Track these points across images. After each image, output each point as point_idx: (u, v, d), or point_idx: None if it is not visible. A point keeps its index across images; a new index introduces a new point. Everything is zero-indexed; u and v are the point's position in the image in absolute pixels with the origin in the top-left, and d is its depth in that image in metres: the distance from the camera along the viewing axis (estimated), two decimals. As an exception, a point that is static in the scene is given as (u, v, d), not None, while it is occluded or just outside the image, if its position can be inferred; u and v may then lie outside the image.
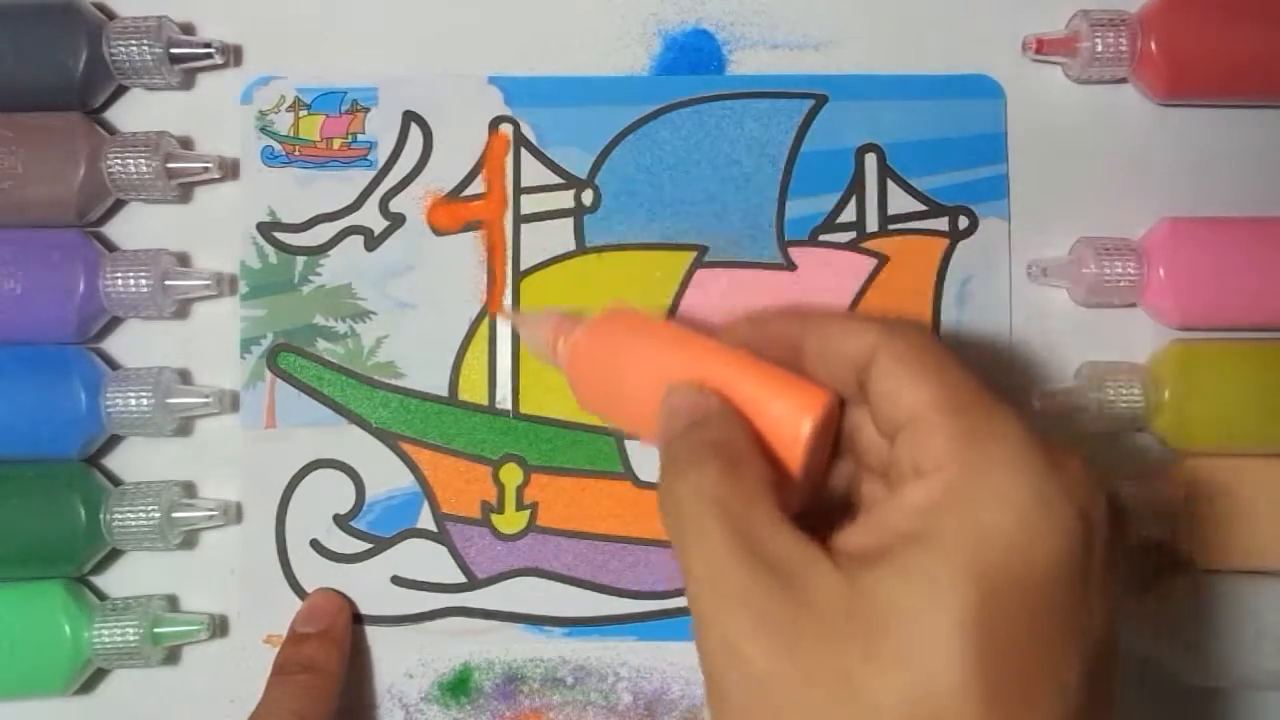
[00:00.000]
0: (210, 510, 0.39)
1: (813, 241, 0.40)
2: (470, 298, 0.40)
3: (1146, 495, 0.38)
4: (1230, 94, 0.40)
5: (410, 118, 0.41)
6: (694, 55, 0.41)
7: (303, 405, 0.40)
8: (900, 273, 0.40)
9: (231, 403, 0.40)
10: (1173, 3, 0.38)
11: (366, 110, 0.41)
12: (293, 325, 0.40)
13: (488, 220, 0.40)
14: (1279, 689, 0.39)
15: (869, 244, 0.40)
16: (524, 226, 0.40)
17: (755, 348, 0.29)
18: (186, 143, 0.41)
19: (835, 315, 0.29)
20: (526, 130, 0.41)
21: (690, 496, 0.25)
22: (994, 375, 0.40)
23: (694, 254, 0.40)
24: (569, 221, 0.40)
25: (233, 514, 0.40)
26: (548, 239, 0.40)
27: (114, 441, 0.40)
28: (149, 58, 0.39)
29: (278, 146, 0.40)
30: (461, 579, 0.40)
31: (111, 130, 0.40)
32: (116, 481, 0.40)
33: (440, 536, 0.40)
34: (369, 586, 0.40)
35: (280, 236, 0.40)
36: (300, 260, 0.40)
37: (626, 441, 0.40)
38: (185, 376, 0.40)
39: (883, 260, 0.40)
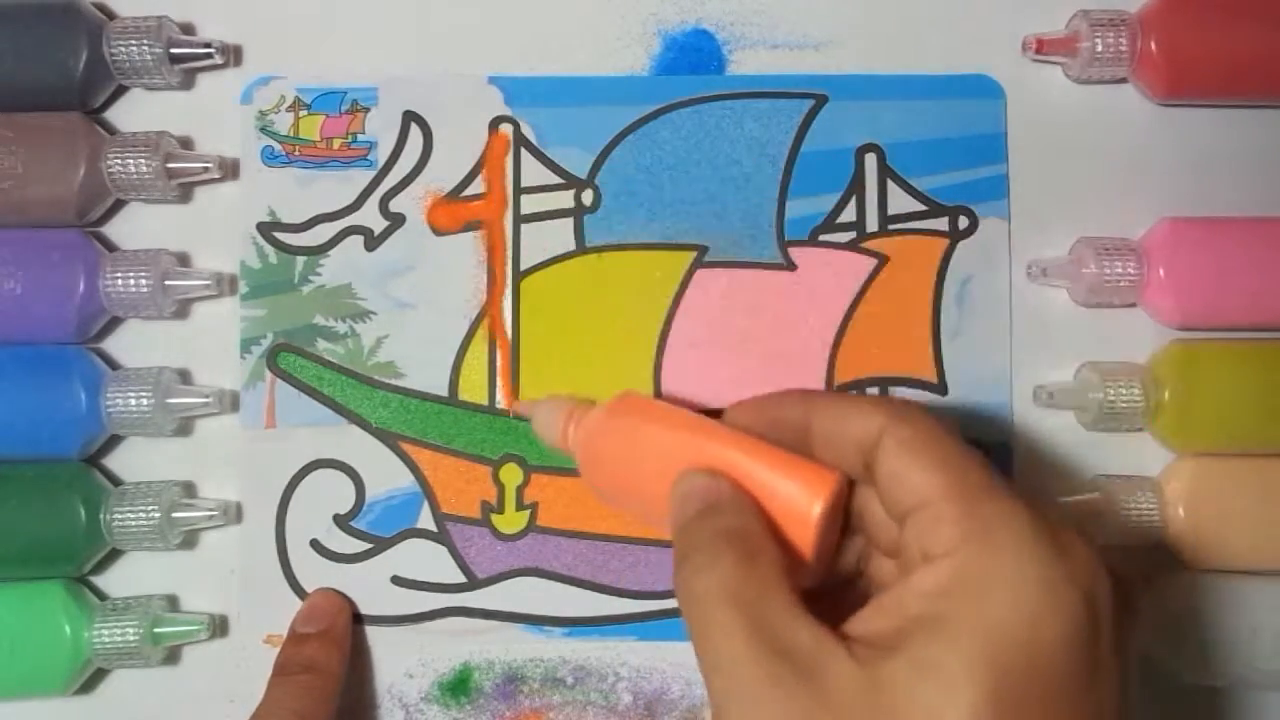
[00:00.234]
0: (210, 510, 0.39)
1: (813, 241, 0.40)
2: (470, 298, 0.40)
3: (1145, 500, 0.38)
4: (1230, 94, 0.40)
5: (410, 118, 0.41)
6: (694, 55, 0.41)
7: (303, 405, 0.40)
8: (900, 273, 0.40)
9: (231, 403, 0.40)
10: (1173, 3, 0.38)
11: (366, 110, 0.41)
12: (293, 325, 0.40)
13: (488, 220, 0.40)
14: (1277, 688, 0.39)
15: (869, 244, 0.40)
16: (524, 226, 0.40)
17: (761, 431, 0.30)
18: (186, 143, 0.41)
19: (841, 397, 0.30)
20: (526, 130, 0.41)
21: (706, 590, 0.26)
22: (994, 375, 0.40)
23: (694, 254, 0.40)
24: (569, 221, 0.40)
25: (233, 514, 0.40)
26: (548, 239, 0.40)
27: (114, 441, 0.40)
28: (149, 58, 0.39)
29: (278, 146, 0.40)
30: (461, 579, 0.40)
31: (111, 130, 0.40)
32: (116, 481, 0.40)
33: (440, 536, 0.40)
34: (369, 586, 0.40)
35: (280, 236, 0.40)
36: (300, 260, 0.40)
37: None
38: (185, 376, 0.40)
39: (883, 260, 0.40)
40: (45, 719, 0.40)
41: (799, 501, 0.28)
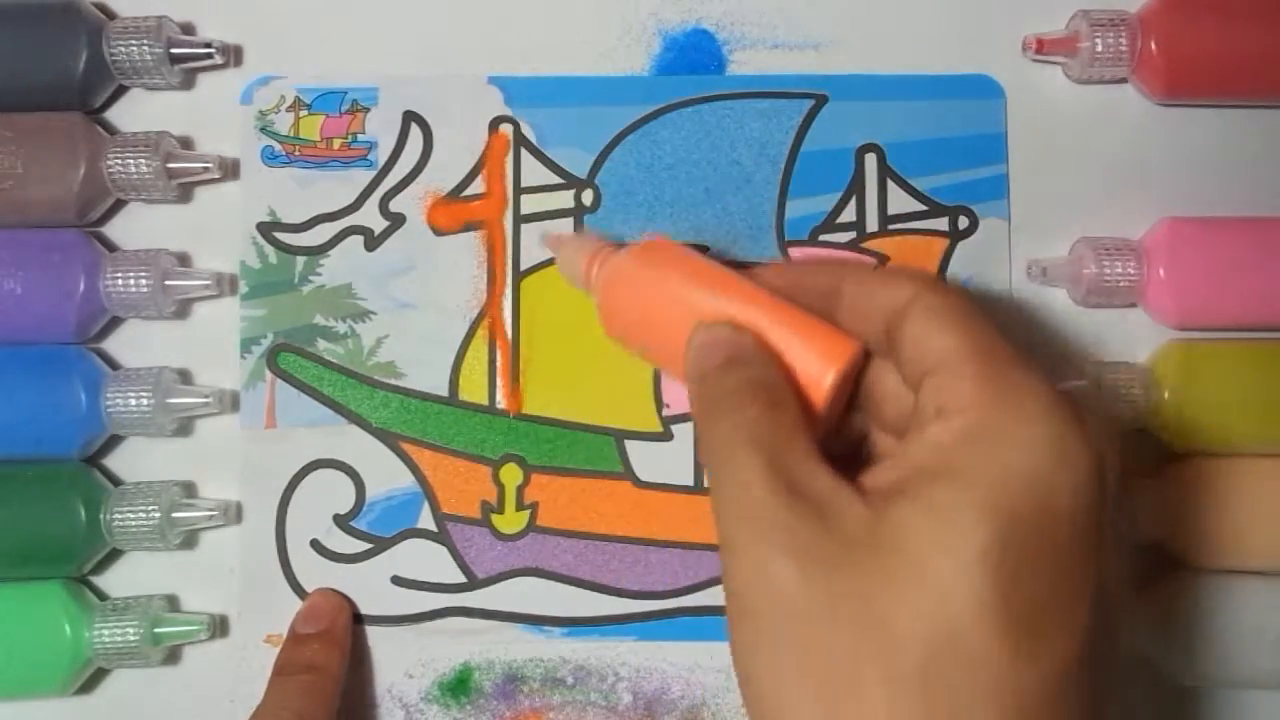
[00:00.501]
0: (210, 510, 0.39)
1: (813, 241, 0.40)
2: (470, 298, 0.40)
3: (1145, 494, 0.38)
4: (1230, 94, 0.40)
5: (410, 118, 0.41)
6: (694, 55, 0.41)
7: (303, 405, 0.40)
8: (900, 273, 0.40)
9: (231, 403, 0.40)
10: (1172, 3, 0.38)
11: (366, 110, 0.41)
12: (293, 325, 0.40)
13: (488, 220, 0.40)
14: (1276, 689, 0.39)
15: (869, 244, 0.40)
16: (524, 226, 0.40)
17: (788, 293, 0.30)
18: (186, 143, 0.41)
19: (874, 266, 0.30)
20: (526, 130, 0.41)
21: (730, 433, 0.26)
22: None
23: (694, 254, 0.40)
24: (569, 221, 0.40)
25: (233, 514, 0.40)
26: (548, 239, 0.40)
27: (114, 441, 0.40)
28: (149, 58, 0.39)
29: (278, 146, 0.40)
30: (461, 579, 0.40)
31: (111, 130, 0.40)
32: (116, 481, 0.40)
33: (440, 536, 0.40)
34: (369, 586, 0.40)
35: (280, 236, 0.40)
36: (300, 260, 0.40)
37: (626, 441, 0.40)
38: (185, 376, 0.40)
39: (883, 260, 0.40)
40: (45, 719, 0.40)
41: (815, 365, 0.28)
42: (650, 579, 0.40)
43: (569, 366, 0.40)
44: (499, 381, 0.40)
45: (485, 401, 0.40)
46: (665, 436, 0.40)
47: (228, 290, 0.40)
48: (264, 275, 0.40)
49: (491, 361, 0.40)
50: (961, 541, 0.23)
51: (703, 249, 0.40)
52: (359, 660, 0.39)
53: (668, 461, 0.40)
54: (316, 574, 0.40)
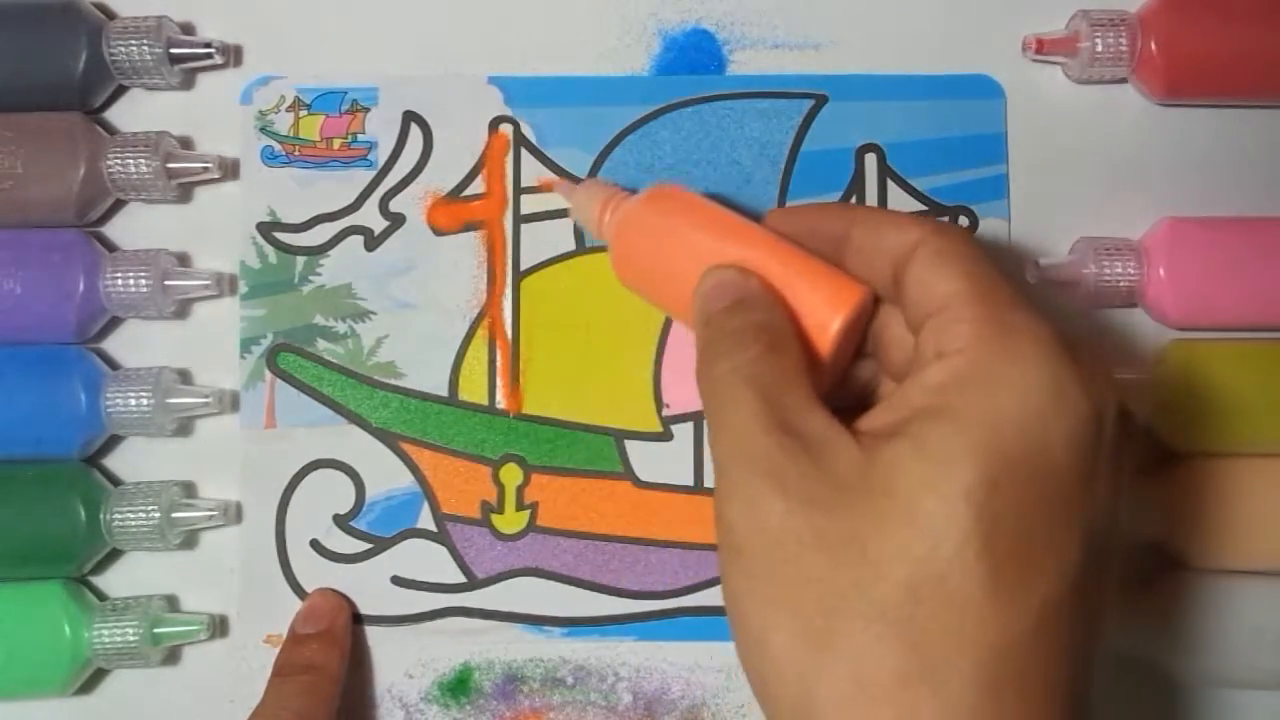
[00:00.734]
0: (210, 510, 0.39)
1: (813, 241, 0.40)
2: (470, 298, 0.40)
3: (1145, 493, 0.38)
4: (1230, 94, 0.40)
5: (410, 118, 0.41)
6: (694, 55, 0.41)
7: (303, 405, 0.40)
8: (900, 273, 0.40)
9: (231, 403, 0.40)
10: (1173, 3, 0.38)
11: (366, 110, 0.41)
12: (293, 325, 0.40)
13: (488, 220, 0.40)
14: (1276, 689, 0.39)
15: (869, 244, 0.40)
16: (524, 226, 0.40)
17: (797, 238, 0.30)
18: (186, 143, 0.41)
19: (882, 212, 0.31)
20: (526, 130, 0.41)
21: (729, 372, 0.26)
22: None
23: (694, 254, 0.40)
24: (569, 221, 0.40)
25: (233, 514, 0.40)
26: (548, 239, 0.40)
27: (114, 441, 0.40)
28: (149, 58, 0.39)
29: (278, 146, 0.40)
30: (461, 579, 0.40)
31: (111, 130, 0.40)
32: (116, 481, 0.40)
33: (440, 536, 0.40)
34: (369, 586, 0.40)
35: (280, 236, 0.40)
36: (300, 260, 0.40)
37: (626, 441, 0.40)
38: (185, 376, 0.40)
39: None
40: (45, 719, 0.40)
41: (822, 310, 0.28)
42: (650, 579, 0.40)
43: (569, 366, 0.40)
44: (499, 381, 0.40)
45: (485, 401, 0.40)
46: (665, 436, 0.40)
47: (227, 290, 0.40)
48: (264, 275, 0.40)
49: (491, 361, 0.40)
50: (949, 482, 0.23)
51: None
52: (359, 660, 0.39)
53: (668, 461, 0.40)
54: (316, 574, 0.40)
